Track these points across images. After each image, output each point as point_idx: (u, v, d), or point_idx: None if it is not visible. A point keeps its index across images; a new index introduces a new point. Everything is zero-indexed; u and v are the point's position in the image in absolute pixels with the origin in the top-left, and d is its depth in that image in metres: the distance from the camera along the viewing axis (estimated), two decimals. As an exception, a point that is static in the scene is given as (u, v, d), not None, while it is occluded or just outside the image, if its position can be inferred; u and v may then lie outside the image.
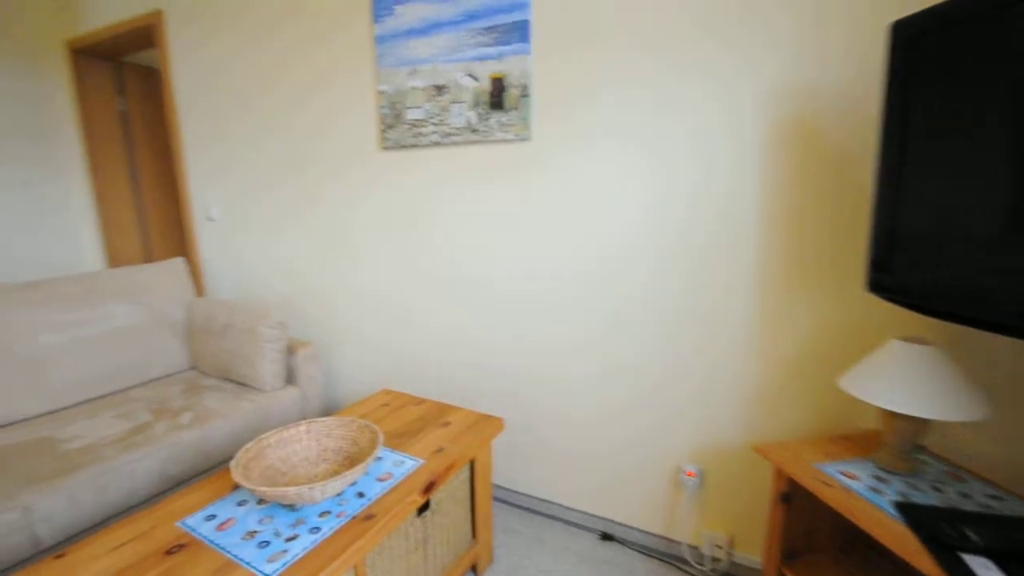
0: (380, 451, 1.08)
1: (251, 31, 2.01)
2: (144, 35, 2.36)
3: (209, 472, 1.62)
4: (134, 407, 1.67)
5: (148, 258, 2.97)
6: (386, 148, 1.78)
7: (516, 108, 1.50)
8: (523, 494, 1.76)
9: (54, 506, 1.24)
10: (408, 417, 1.46)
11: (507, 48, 1.48)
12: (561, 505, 1.69)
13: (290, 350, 1.91)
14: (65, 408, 1.67)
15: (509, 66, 1.48)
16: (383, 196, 1.83)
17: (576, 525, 1.67)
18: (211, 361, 1.92)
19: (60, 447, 1.41)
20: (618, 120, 1.37)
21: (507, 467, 1.77)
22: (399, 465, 1.20)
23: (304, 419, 1.94)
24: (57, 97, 2.69)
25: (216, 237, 2.38)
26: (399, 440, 1.31)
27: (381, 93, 1.73)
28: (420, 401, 1.57)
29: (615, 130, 1.38)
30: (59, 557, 0.88)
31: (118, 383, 1.82)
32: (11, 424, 1.56)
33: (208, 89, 2.20)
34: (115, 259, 2.83)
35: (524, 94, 1.48)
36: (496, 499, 1.82)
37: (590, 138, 1.42)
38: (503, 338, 1.68)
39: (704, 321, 1.36)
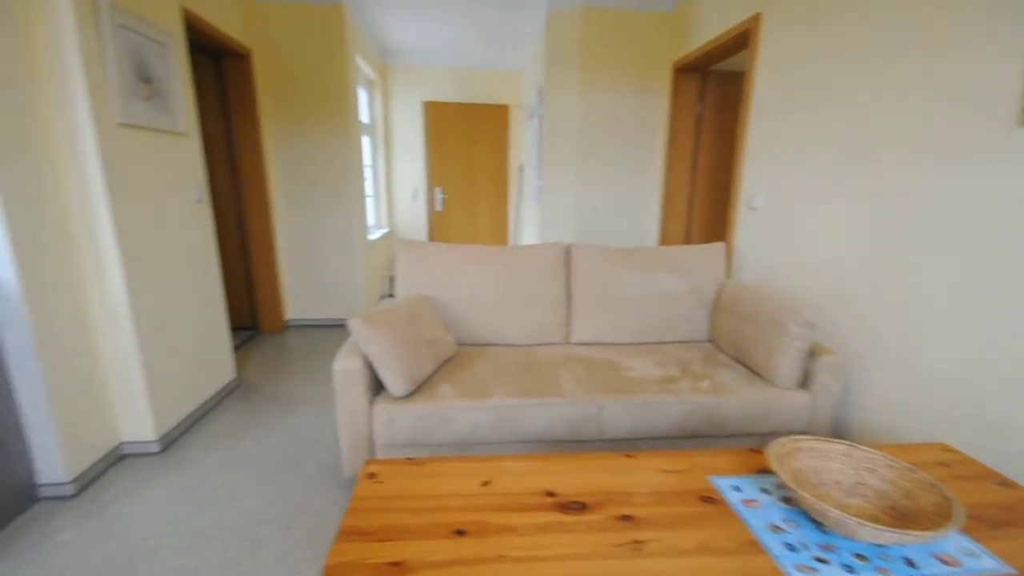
0: (954, 530, 0.81)
1: (848, 26, 1.85)
2: (736, 42, 2.64)
3: (714, 439, 1.76)
4: (666, 359, 2.02)
5: (687, 241, 3.49)
6: (1039, 121, 1.25)
7: None
8: None
9: (615, 412, 1.69)
10: (984, 497, 1.05)
11: None
12: None
13: (812, 353, 1.77)
14: (624, 344, 2.23)
15: None
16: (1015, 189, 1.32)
17: None
18: (729, 340, 2.05)
19: (621, 372, 1.89)
20: None
21: None
22: (971, 556, 0.87)
23: (809, 429, 1.78)
24: (656, 109, 3.48)
25: (753, 226, 2.48)
26: (969, 523, 0.96)
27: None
28: (1008, 484, 1.10)
29: None
30: (629, 456, 1.16)
31: (656, 336, 2.24)
32: (593, 344, 2.23)
33: (785, 86, 2.24)
34: (664, 239, 3.49)
35: None
36: None
37: None
38: None
39: None
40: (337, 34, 3.37)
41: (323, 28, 3.35)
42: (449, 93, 4.99)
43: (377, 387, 1.72)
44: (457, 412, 1.63)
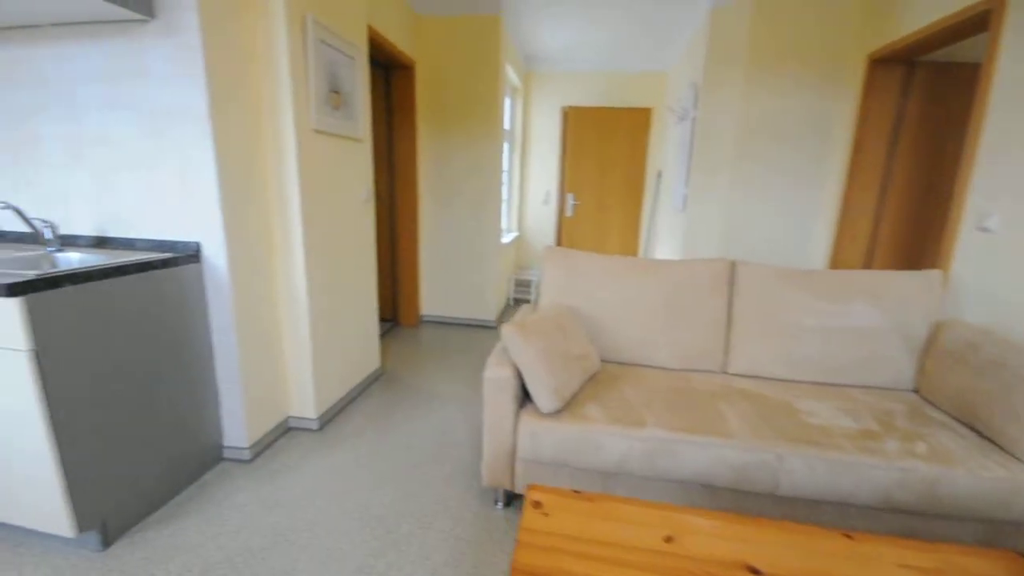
0: None
1: None
2: (966, 26, 2.13)
3: (927, 520, 1.40)
4: (857, 407, 1.67)
5: (867, 267, 2.94)
6: None
7: None
8: None
9: (796, 466, 1.42)
10: None
11: None
12: None
13: (1093, 430, 1.32)
14: (797, 381, 1.91)
15: None
16: None
17: None
18: (950, 394, 1.64)
19: (799, 416, 1.60)
20: None
21: None
22: None
23: (1081, 533, 1.33)
24: (836, 110, 2.99)
25: (984, 252, 1.97)
26: None
27: None
28: None
29: None
30: (849, 537, 0.93)
31: (839, 377, 1.88)
32: (754, 377, 1.94)
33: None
34: (835, 263, 2.98)
35: None
36: None
37: None
38: None
39: None
40: (492, 43, 3.46)
41: (479, 38, 3.46)
42: (590, 97, 4.89)
43: (523, 397, 1.67)
44: (606, 438, 1.50)
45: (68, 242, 1.77)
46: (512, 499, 1.77)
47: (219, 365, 1.87)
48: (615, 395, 1.70)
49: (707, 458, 1.46)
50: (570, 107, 4.92)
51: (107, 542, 1.49)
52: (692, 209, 3.40)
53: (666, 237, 4.25)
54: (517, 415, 1.60)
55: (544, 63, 4.82)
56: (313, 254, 2.08)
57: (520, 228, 5.30)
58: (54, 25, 1.64)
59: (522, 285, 5.09)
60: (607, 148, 4.95)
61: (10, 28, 1.68)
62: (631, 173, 4.98)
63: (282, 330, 2.11)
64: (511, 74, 4.15)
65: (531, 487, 1.03)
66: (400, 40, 3.19)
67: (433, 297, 4.01)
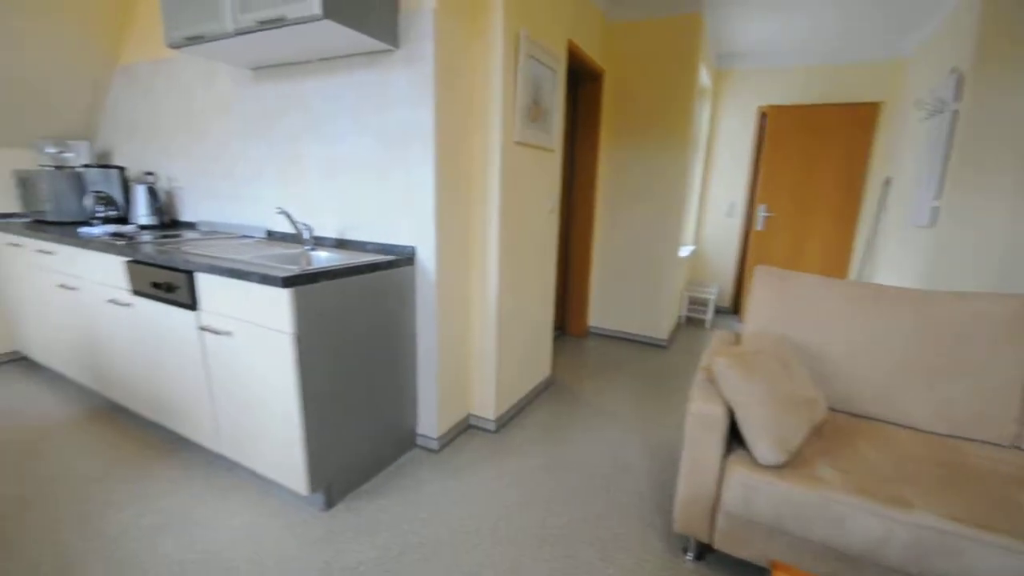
0: None
1: None
2: None
3: None
4: None
5: None
6: None
7: None
8: None
9: None
10: None
11: None
12: None
13: None
14: None
15: None
16: None
17: None
18: None
19: None
20: None
21: None
22: None
23: None
24: None
25: None
26: None
27: None
28: None
29: None
30: None
31: None
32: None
33: None
34: None
35: None
36: None
37: None
38: None
39: None
40: (689, 44, 3.22)
41: (675, 40, 3.26)
42: (794, 94, 4.26)
43: (731, 437, 1.44)
44: (851, 512, 1.19)
45: (319, 243, 2.11)
46: (705, 552, 1.56)
47: (420, 358, 2.03)
48: (852, 455, 1.37)
49: (1015, 570, 1.06)
50: (769, 106, 4.35)
51: (330, 503, 1.71)
52: (945, 226, 2.68)
53: (895, 259, 3.46)
54: (724, 459, 1.39)
55: (739, 60, 4.35)
56: (505, 260, 2.14)
57: (698, 241, 4.88)
58: (321, 60, 1.96)
59: (697, 304, 4.67)
60: (814, 152, 4.25)
61: (287, 65, 2.06)
62: (845, 180, 4.19)
63: (472, 331, 2.21)
64: (703, 75, 3.83)
65: (777, 566, 0.84)
66: (592, 50, 3.16)
67: (602, 309, 3.90)
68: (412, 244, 1.91)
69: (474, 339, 2.22)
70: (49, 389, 2.59)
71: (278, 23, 1.54)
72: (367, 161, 1.93)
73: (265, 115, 2.18)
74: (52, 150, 2.71)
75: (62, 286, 2.26)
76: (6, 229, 2.52)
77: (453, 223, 1.96)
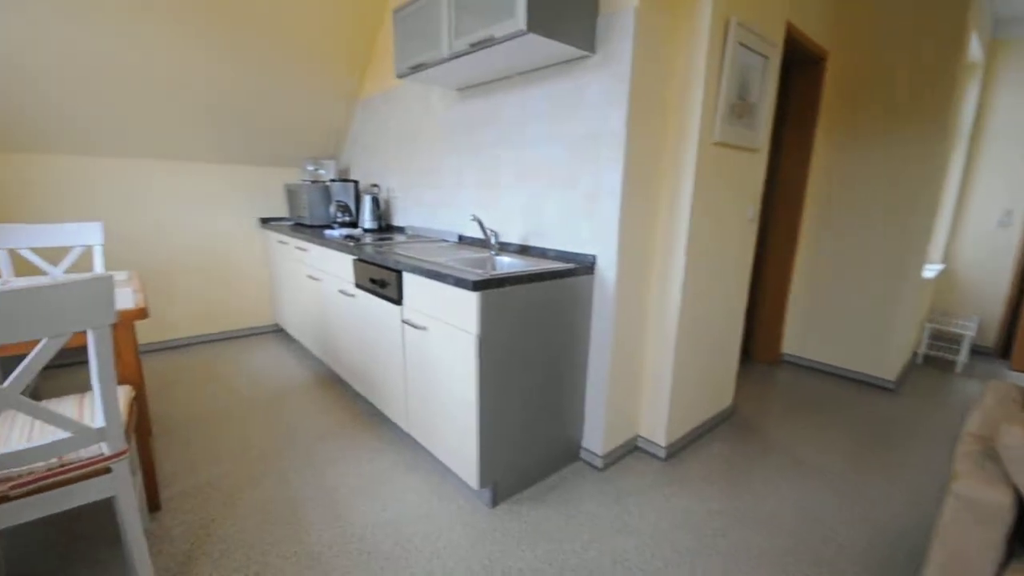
0: None
1: None
2: None
3: None
4: None
5: None
6: None
7: None
8: None
9: None
10: None
11: None
12: None
13: None
14: None
15: None
16: None
17: None
18: None
19: None
20: None
21: None
22: None
23: None
24: None
25: None
26: None
27: None
28: None
29: None
30: None
31: None
32: None
33: None
34: None
35: None
36: None
37: None
38: None
39: None
40: (956, 8, 2.52)
41: (935, 5, 2.58)
42: None
43: (1017, 537, 1.04)
44: None
45: (503, 248, 2.22)
46: None
47: (591, 370, 1.97)
48: None
49: None
50: (1088, 79, 3.14)
51: (495, 501, 1.76)
52: None
53: None
54: (1003, 568, 1.00)
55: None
56: (691, 273, 1.94)
57: (949, 259, 3.81)
58: (519, 75, 2.05)
59: (944, 340, 3.64)
60: None
61: (488, 83, 2.20)
62: None
63: (647, 346, 2.07)
64: (974, 46, 2.95)
65: None
66: (814, 30, 2.69)
67: (800, 334, 3.31)
68: (593, 252, 1.86)
69: (648, 356, 2.07)
70: (294, 356, 3.27)
71: (487, 43, 1.65)
72: (554, 167, 1.95)
73: (466, 129, 2.38)
74: (311, 168, 3.42)
75: (310, 276, 2.83)
76: (278, 230, 3.27)
77: (637, 231, 1.85)
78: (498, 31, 1.59)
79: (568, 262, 1.90)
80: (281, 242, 3.26)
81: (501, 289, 1.56)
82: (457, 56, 1.80)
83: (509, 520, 1.69)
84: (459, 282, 1.54)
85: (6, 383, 0.93)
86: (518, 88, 2.06)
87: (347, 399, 2.61)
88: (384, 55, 3.06)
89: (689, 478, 1.97)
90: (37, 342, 0.96)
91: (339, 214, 3.15)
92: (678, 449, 2.18)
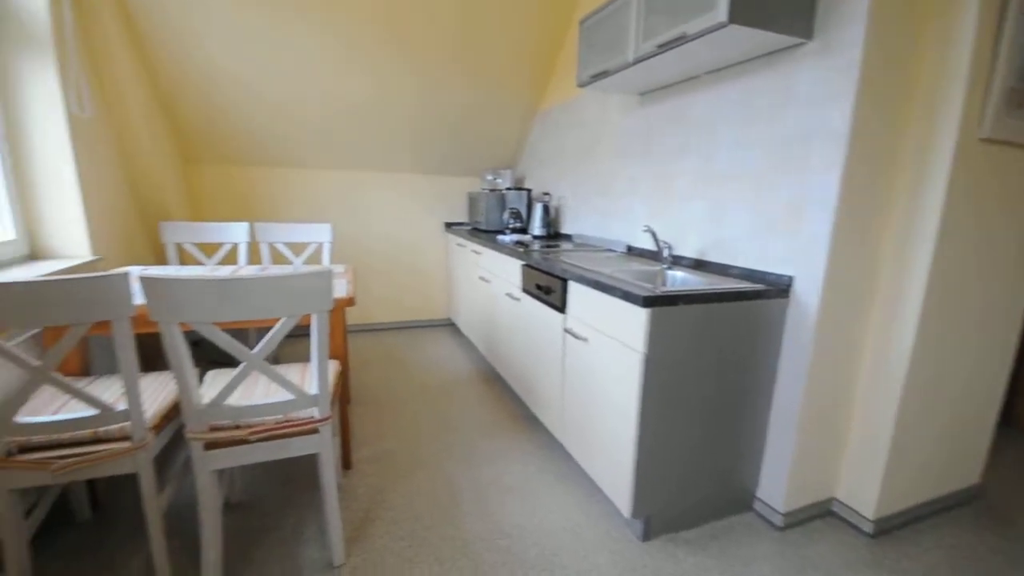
0: None
1: None
2: None
3: None
4: None
5: None
6: None
7: None
8: None
9: None
10: None
11: None
12: None
13: None
14: None
15: None
16: None
17: None
18: None
19: None
20: None
21: None
22: None
23: None
24: None
25: None
26: None
27: None
28: None
29: None
30: None
31: None
32: None
33: None
34: None
35: None
36: None
37: None
38: None
39: None
40: None
41: None
42: None
43: None
44: None
45: (676, 262, 2.06)
46: None
47: (776, 410, 1.69)
48: None
49: None
50: None
51: (647, 535, 1.62)
52: None
53: None
54: None
55: None
56: (932, 312, 1.52)
57: None
58: (707, 73, 1.87)
59: None
60: None
61: (672, 85, 2.06)
62: None
63: (856, 392, 1.68)
64: None
65: None
66: None
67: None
68: (789, 273, 1.59)
69: (858, 404, 1.69)
70: (463, 350, 3.55)
71: (678, 42, 1.53)
72: (744, 173, 1.73)
73: (644, 135, 2.27)
74: (490, 177, 3.68)
75: (481, 278, 3.03)
76: (458, 233, 3.59)
77: (853, 250, 1.52)
78: (691, 27, 1.46)
79: (756, 282, 1.65)
80: (460, 244, 3.57)
81: (674, 307, 1.43)
82: (642, 60, 1.72)
83: (663, 560, 1.54)
84: (627, 296, 1.45)
85: (254, 351, 1.18)
86: (707, 88, 1.87)
87: (506, 398, 2.72)
88: (563, 69, 3.12)
89: (906, 567, 1.54)
90: (277, 320, 1.19)
91: (511, 220, 3.31)
92: (893, 527, 1.73)
